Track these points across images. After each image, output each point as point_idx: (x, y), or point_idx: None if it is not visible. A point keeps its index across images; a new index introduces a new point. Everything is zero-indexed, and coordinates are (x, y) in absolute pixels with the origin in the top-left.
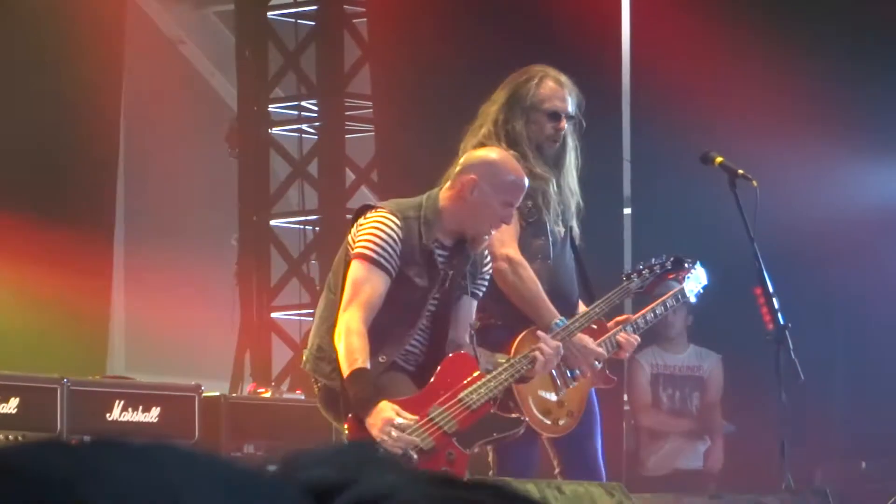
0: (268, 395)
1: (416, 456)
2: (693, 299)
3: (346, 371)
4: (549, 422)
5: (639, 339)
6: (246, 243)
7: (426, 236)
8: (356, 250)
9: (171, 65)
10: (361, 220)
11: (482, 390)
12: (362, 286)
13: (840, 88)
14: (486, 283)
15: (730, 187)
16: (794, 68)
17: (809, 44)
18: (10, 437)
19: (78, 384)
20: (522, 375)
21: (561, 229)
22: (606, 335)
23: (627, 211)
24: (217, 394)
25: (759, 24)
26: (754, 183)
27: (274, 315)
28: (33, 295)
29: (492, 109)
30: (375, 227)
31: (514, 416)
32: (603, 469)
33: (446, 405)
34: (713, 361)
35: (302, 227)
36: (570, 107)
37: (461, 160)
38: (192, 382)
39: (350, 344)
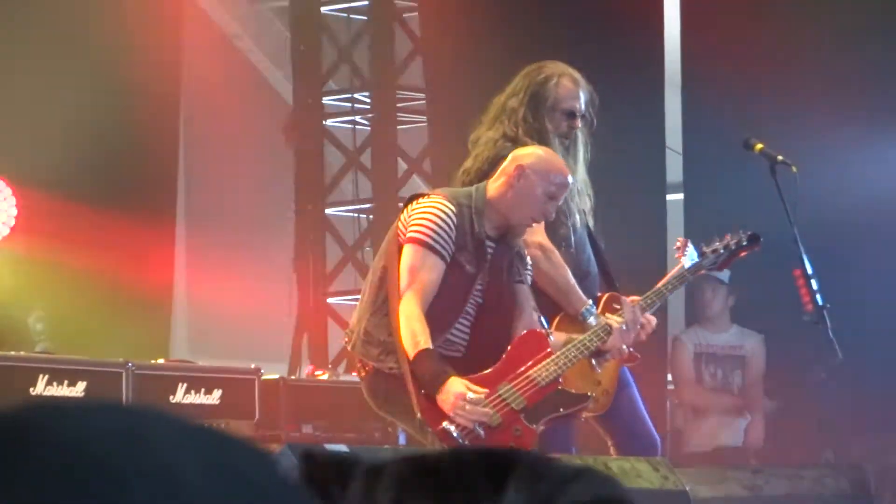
0: (325, 377)
1: (482, 432)
2: (689, 275)
3: (411, 353)
4: (592, 402)
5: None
6: (302, 231)
7: (478, 224)
8: (410, 234)
9: (227, 59)
10: (414, 205)
11: (551, 367)
12: (418, 272)
13: (877, 78)
14: (531, 270)
15: (770, 173)
16: (835, 59)
17: (848, 35)
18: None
19: (142, 368)
20: (593, 350)
21: (579, 218)
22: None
23: (671, 197)
24: (276, 376)
25: (802, 18)
26: (794, 168)
27: (330, 300)
28: (99, 282)
29: (511, 105)
30: (430, 211)
31: (579, 392)
32: (655, 433)
33: (514, 382)
34: (755, 341)
35: (356, 215)
36: (583, 105)
37: (511, 154)
38: (252, 365)
39: (412, 329)
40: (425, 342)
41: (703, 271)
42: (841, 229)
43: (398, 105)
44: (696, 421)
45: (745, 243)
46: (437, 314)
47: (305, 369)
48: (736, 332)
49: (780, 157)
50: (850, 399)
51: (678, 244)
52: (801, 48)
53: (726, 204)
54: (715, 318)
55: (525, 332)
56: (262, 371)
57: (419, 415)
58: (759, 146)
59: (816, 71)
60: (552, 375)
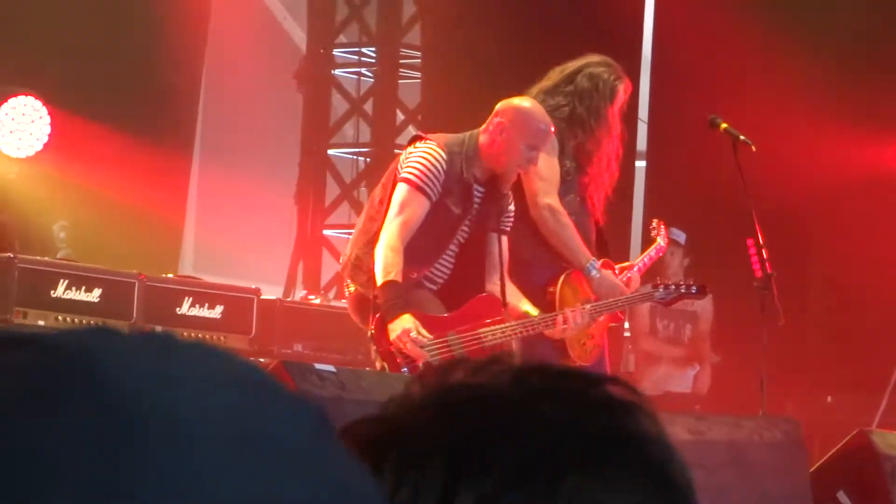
0: (317, 301)
1: (422, 366)
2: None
3: (380, 280)
4: (581, 349)
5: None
6: (305, 168)
7: (466, 170)
8: (403, 174)
9: (250, 8)
10: (411, 148)
11: (498, 333)
12: (405, 207)
13: (826, 74)
14: (512, 220)
15: (732, 150)
16: (792, 52)
17: (806, 31)
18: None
19: (153, 280)
20: (539, 331)
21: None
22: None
23: (639, 164)
24: (273, 297)
25: (767, 10)
26: (753, 147)
27: (326, 232)
28: (119, 200)
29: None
30: (424, 156)
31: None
32: None
33: (463, 335)
34: (705, 299)
35: (355, 157)
36: None
37: (497, 106)
38: (253, 286)
39: (387, 257)
40: (395, 274)
41: (652, 300)
42: (792, 206)
43: (401, 61)
44: (648, 367)
45: (693, 290)
46: (422, 250)
47: (299, 293)
48: None
49: (741, 137)
50: (787, 360)
51: (654, 225)
52: (765, 38)
53: (686, 174)
54: (671, 277)
55: (484, 294)
56: (261, 291)
57: (371, 331)
58: (724, 125)
59: (775, 61)
60: (497, 340)
